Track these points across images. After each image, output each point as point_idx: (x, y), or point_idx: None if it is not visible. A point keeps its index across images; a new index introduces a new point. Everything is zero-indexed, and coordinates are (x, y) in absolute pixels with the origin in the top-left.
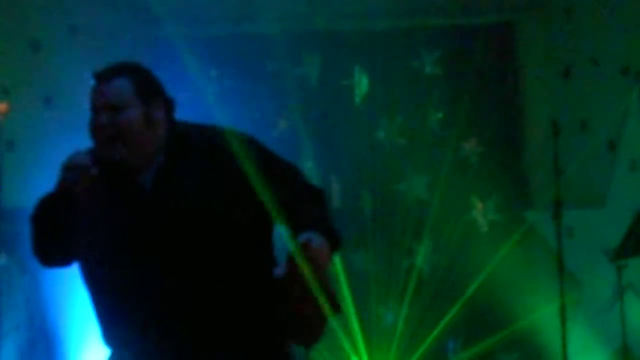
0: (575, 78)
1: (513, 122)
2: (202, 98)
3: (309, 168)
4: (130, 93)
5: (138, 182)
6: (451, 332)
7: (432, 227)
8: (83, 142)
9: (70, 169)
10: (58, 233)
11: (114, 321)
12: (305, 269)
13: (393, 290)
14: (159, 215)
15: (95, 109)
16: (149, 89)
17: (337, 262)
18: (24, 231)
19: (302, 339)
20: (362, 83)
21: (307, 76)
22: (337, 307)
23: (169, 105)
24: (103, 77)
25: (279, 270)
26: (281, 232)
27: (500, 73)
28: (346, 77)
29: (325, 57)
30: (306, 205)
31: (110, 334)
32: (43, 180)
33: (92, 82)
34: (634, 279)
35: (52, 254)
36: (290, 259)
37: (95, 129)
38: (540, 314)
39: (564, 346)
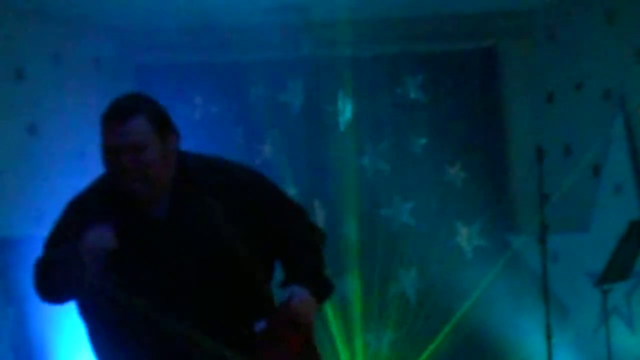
0: (558, 103)
1: (497, 147)
2: (186, 125)
3: (293, 194)
4: (149, 132)
5: (152, 214)
6: (438, 358)
7: (417, 253)
8: (68, 170)
9: (93, 251)
10: (63, 286)
11: (114, 350)
12: (287, 327)
13: (379, 316)
14: (171, 246)
15: (114, 150)
16: (163, 123)
17: None
18: (9, 261)
19: None
20: (346, 109)
21: (291, 102)
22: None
23: (177, 137)
24: (119, 116)
25: (261, 325)
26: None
27: (484, 98)
28: (330, 103)
29: (309, 84)
30: (301, 251)
31: None
32: (27, 209)
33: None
34: (619, 303)
35: (56, 298)
36: (272, 321)
37: (120, 171)
38: (526, 338)
39: None
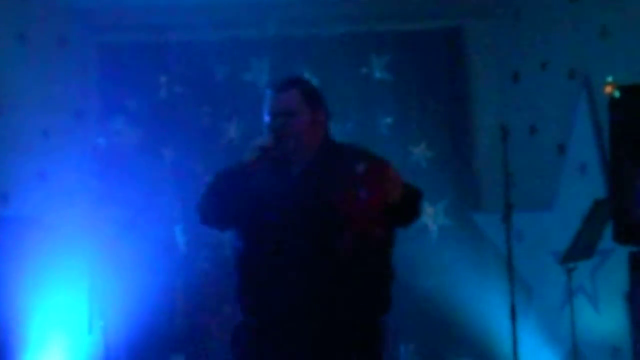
0: (523, 82)
1: (462, 126)
2: (151, 104)
3: None
4: (300, 101)
5: (291, 171)
6: (403, 337)
7: None
8: (31, 150)
9: (255, 149)
10: (224, 199)
11: (251, 284)
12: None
13: None
14: (297, 200)
15: (272, 114)
16: (315, 98)
17: None
18: None
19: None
20: None
21: (257, 82)
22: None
23: (327, 114)
24: (278, 88)
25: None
26: None
27: (449, 78)
28: None
29: (275, 63)
30: None
31: (246, 296)
32: None
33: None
34: (584, 282)
35: (213, 214)
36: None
37: (271, 131)
38: (491, 316)
39: (515, 349)
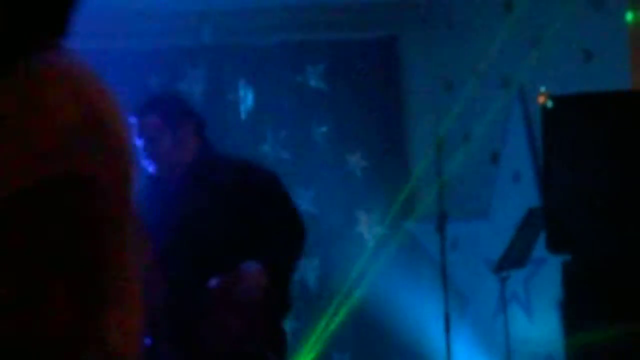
0: (457, 91)
1: (397, 135)
2: None
3: None
4: (159, 126)
5: (168, 189)
6: (337, 345)
7: (319, 241)
8: None
9: None
10: None
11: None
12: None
13: None
14: (170, 216)
15: (138, 138)
16: (178, 116)
17: None
18: None
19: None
20: (247, 97)
21: (192, 91)
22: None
23: (199, 126)
24: (139, 113)
25: (213, 282)
26: None
27: (384, 87)
28: (231, 91)
29: (210, 72)
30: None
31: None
32: None
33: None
34: (518, 290)
35: None
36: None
37: (141, 154)
38: (425, 325)
39: (449, 358)
